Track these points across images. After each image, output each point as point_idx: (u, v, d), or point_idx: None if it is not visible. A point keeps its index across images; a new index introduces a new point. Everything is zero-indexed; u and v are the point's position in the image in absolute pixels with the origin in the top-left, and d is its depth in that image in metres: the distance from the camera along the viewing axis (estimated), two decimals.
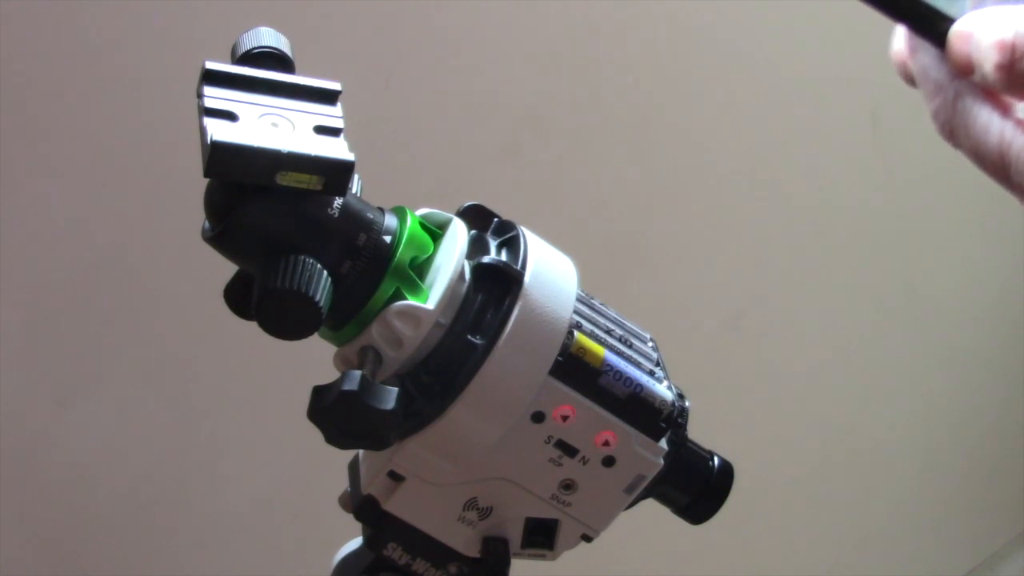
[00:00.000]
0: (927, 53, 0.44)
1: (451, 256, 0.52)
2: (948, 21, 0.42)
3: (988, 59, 0.41)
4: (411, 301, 0.51)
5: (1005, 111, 0.42)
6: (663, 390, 0.54)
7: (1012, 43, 0.41)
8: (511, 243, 0.54)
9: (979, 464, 1.94)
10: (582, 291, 0.55)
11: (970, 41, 0.42)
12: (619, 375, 0.53)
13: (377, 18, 1.15)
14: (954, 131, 0.43)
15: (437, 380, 0.51)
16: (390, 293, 0.51)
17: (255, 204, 0.49)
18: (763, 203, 1.49)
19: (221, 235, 0.49)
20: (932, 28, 0.43)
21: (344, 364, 0.53)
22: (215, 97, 0.49)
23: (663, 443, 0.55)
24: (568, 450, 0.53)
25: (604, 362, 0.53)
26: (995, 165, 0.42)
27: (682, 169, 1.42)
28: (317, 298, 0.48)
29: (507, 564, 0.55)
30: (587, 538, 0.56)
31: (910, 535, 1.88)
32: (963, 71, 0.42)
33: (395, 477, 0.53)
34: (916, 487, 1.87)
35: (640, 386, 0.53)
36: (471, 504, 0.54)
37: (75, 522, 1.14)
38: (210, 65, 0.50)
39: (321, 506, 0.69)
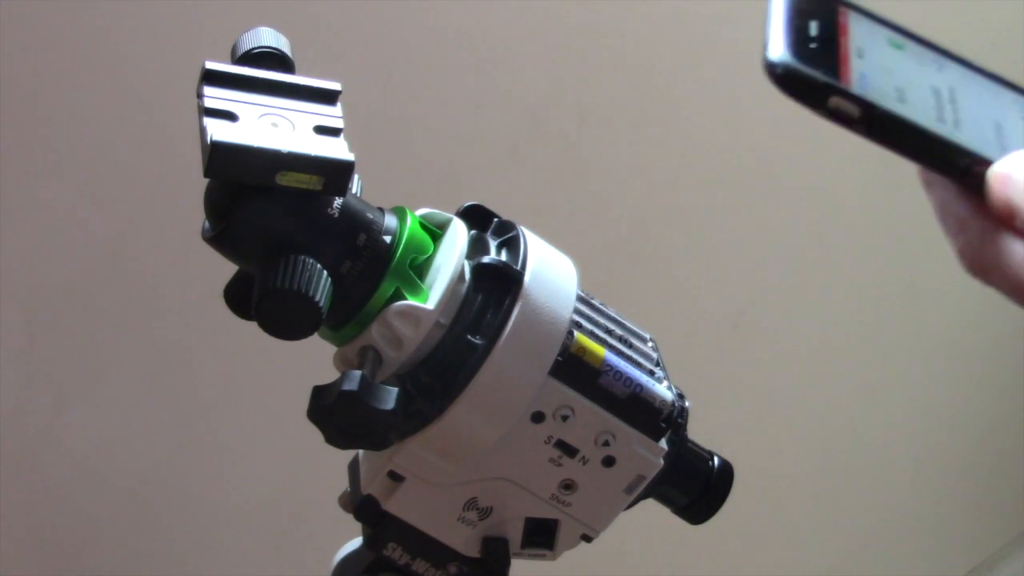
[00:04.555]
0: (945, 188, 0.41)
1: (451, 256, 0.52)
2: (966, 156, 0.40)
3: None
4: (411, 301, 0.51)
5: None
6: (663, 390, 0.54)
7: None
8: (511, 243, 0.54)
9: (979, 464, 1.94)
10: (582, 291, 0.55)
11: (1009, 183, 0.39)
12: (619, 375, 0.53)
13: (377, 18, 1.15)
14: (986, 269, 0.40)
15: (437, 380, 0.51)
16: (390, 293, 0.51)
17: (255, 204, 0.49)
18: (763, 203, 1.49)
19: (221, 235, 0.49)
20: (950, 163, 0.40)
21: (344, 364, 0.53)
22: (215, 97, 0.49)
23: (663, 443, 0.55)
24: (568, 450, 0.53)
25: (604, 362, 0.53)
26: None
27: (682, 169, 1.42)
28: (317, 298, 0.48)
29: (507, 564, 0.55)
30: (587, 538, 0.57)
31: (910, 535, 1.88)
32: (1003, 216, 0.39)
33: (395, 477, 0.53)
34: (916, 487, 1.87)
35: (640, 386, 0.53)
36: (471, 504, 0.54)
37: (75, 522, 1.14)
38: (210, 65, 0.50)
39: (321, 506, 0.69)
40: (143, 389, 1.14)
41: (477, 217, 0.56)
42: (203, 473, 1.19)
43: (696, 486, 0.58)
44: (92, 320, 1.10)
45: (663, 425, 0.54)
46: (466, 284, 0.52)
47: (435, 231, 0.54)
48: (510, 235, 0.54)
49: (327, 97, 0.52)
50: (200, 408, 1.17)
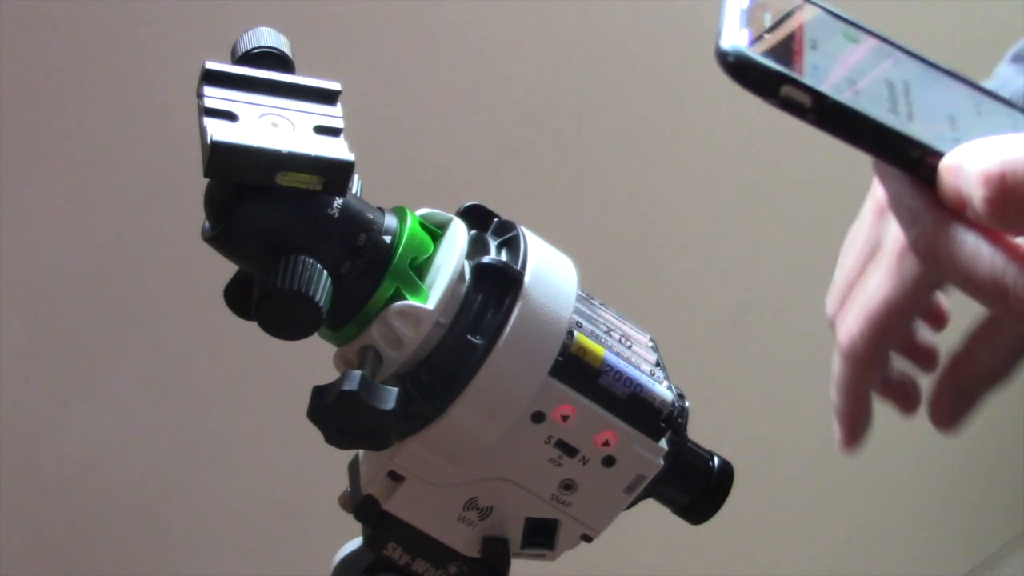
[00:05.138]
0: (899, 180, 0.41)
1: (451, 256, 0.52)
2: (919, 147, 0.40)
3: (976, 193, 0.38)
4: (411, 301, 0.51)
5: (993, 237, 0.39)
6: (663, 390, 0.54)
7: (999, 174, 0.38)
8: (511, 243, 0.54)
9: (979, 464, 1.94)
10: (582, 291, 0.55)
11: (960, 174, 0.39)
12: (619, 375, 0.53)
13: (377, 18, 1.15)
14: (939, 260, 0.40)
15: (437, 380, 0.51)
16: (390, 293, 0.51)
17: (255, 204, 0.49)
18: (763, 201, 1.49)
19: (221, 235, 0.49)
20: (902, 155, 0.40)
21: (344, 364, 0.53)
22: (215, 97, 0.49)
23: (663, 443, 0.55)
24: (568, 450, 0.53)
25: (604, 362, 0.53)
26: (989, 294, 0.39)
27: (682, 168, 1.42)
28: (317, 298, 0.48)
29: (507, 564, 0.55)
30: (587, 538, 0.56)
31: (910, 535, 1.88)
32: (956, 207, 0.39)
33: (395, 477, 0.53)
34: (916, 487, 1.87)
35: (640, 386, 0.53)
36: (471, 504, 0.54)
37: (75, 522, 1.14)
38: (210, 65, 0.50)
39: (321, 506, 0.69)
40: (143, 389, 1.14)
41: (477, 217, 0.56)
42: (203, 473, 1.19)
43: (696, 486, 0.58)
44: (92, 320, 1.10)
45: (663, 425, 0.54)
46: (466, 284, 0.52)
47: (435, 231, 0.54)
48: (510, 235, 0.54)
49: (327, 97, 0.52)
50: (200, 408, 1.17)
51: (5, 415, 1.07)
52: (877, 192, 0.57)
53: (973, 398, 0.53)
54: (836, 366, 0.54)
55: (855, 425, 0.55)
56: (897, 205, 0.42)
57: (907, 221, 0.41)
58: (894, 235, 0.53)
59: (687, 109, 1.40)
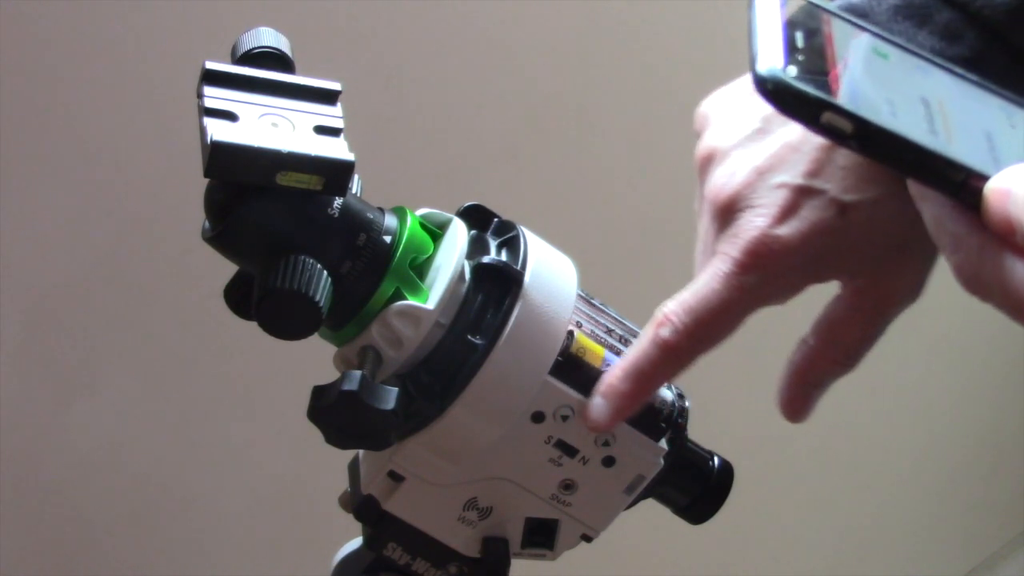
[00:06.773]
0: (939, 203, 0.40)
1: (451, 256, 0.52)
2: (962, 170, 0.38)
3: None
4: (411, 301, 0.51)
5: None
6: (663, 390, 0.54)
7: None
8: (511, 243, 0.54)
9: (978, 464, 1.94)
10: (582, 291, 0.55)
11: (1009, 199, 0.37)
12: None
13: (378, 18, 1.15)
14: (986, 287, 0.38)
15: (437, 380, 0.51)
16: (390, 293, 0.51)
17: (255, 204, 0.49)
18: None
19: (221, 235, 0.49)
20: (945, 178, 0.38)
21: (344, 364, 0.53)
22: (215, 97, 0.49)
23: (663, 443, 0.55)
24: (568, 450, 0.53)
25: (604, 362, 0.53)
26: None
27: (683, 168, 1.42)
28: (317, 298, 0.48)
29: (507, 564, 0.55)
30: (587, 538, 0.57)
31: (910, 535, 1.88)
32: (1003, 232, 0.37)
33: (395, 477, 0.53)
34: (915, 487, 1.87)
35: None
36: (471, 504, 0.54)
37: (75, 522, 1.14)
38: (210, 65, 0.50)
39: (321, 506, 0.69)
40: (143, 389, 1.14)
41: (477, 217, 0.56)
42: (203, 473, 1.19)
43: (696, 486, 0.58)
44: (92, 320, 1.10)
45: (663, 425, 0.54)
46: (466, 284, 0.52)
47: (435, 231, 0.54)
48: (510, 235, 0.54)
49: (327, 97, 0.52)
50: (200, 408, 1.17)
51: (5, 415, 1.07)
52: (709, 184, 0.58)
53: (821, 390, 0.55)
54: (644, 349, 0.51)
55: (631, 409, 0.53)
56: (938, 229, 0.40)
57: (949, 246, 0.40)
58: (742, 242, 0.53)
59: (688, 108, 1.40)
